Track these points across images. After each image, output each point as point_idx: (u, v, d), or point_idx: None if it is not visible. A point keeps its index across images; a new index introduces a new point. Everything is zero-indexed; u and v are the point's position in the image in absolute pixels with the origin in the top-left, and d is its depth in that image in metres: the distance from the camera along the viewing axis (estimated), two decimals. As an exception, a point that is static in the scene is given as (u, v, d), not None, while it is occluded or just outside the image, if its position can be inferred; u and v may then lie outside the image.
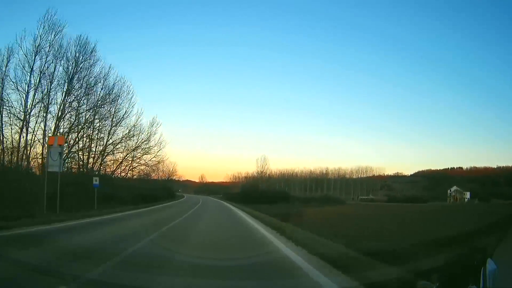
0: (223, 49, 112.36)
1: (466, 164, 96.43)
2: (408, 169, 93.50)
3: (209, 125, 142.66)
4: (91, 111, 25.16)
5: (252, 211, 22.11)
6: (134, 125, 29.67)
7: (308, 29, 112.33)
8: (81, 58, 22.98)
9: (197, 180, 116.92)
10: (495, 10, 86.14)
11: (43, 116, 20.90)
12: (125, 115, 28.33)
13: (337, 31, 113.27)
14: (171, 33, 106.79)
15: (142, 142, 31.00)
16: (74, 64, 22.51)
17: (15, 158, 19.82)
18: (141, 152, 31.80)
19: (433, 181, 78.30)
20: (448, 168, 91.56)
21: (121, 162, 30.50)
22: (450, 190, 72.99)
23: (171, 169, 70.86)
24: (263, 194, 45.45)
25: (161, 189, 45.46)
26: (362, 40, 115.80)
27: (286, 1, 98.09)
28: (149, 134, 31.59)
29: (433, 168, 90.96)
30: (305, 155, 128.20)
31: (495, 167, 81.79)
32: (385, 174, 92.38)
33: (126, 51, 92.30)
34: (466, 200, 66.05)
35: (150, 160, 33.64)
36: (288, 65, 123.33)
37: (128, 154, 30.74)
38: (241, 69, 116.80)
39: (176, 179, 79.29)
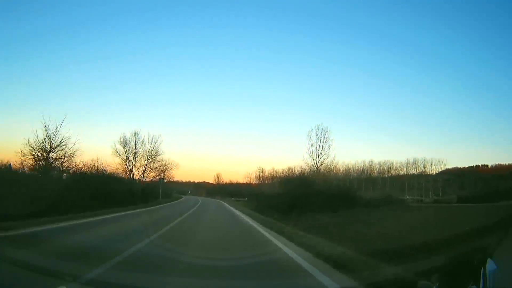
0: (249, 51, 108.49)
1: (490, 162, 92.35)
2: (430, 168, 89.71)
3: (223, 124, 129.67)
4: None
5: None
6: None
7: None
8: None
9: (213, 182, 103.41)
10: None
11: None
12: None
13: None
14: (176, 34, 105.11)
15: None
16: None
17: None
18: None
19: (465, 179, 75.58)
20: (473, 165, 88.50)
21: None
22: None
23: (152, 148, 44.23)
24: (322, 195, 24.37)
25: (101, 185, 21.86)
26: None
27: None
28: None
29: (459, 166, 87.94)
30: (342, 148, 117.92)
31: (520, 163, 78.82)
32: (408, 173, 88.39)
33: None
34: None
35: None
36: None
37: None
38: (258, 67, 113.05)
39: (187, 181, 65.91)
